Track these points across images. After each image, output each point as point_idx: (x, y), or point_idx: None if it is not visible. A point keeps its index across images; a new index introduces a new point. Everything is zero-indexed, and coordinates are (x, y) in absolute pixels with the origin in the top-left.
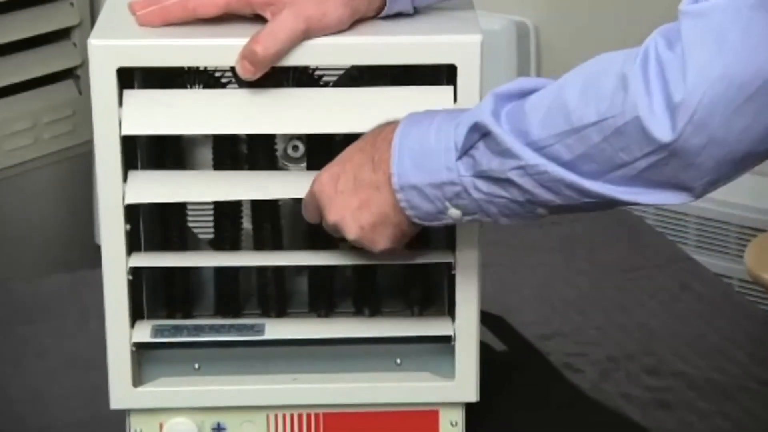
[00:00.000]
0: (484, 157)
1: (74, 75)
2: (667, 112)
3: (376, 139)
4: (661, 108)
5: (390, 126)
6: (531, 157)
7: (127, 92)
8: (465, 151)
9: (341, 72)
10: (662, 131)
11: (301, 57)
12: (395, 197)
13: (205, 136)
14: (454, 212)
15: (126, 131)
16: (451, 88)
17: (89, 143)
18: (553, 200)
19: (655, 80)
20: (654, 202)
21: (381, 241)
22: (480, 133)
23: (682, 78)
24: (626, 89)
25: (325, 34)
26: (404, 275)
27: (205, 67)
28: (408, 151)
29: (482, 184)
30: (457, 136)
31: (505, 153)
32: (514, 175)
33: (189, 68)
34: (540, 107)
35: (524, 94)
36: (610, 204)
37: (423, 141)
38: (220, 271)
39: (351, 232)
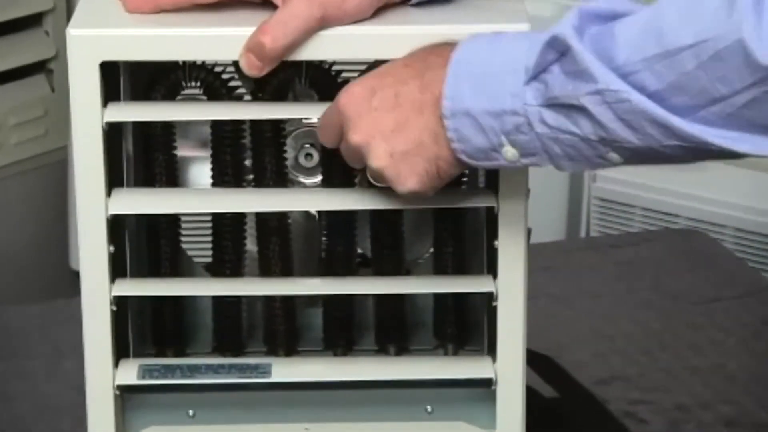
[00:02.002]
0: (557, 81)
1: (46, 69)
2: None
3: (429, 55)
4: None
5: (447, 45)
6: (612, 81)
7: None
8: (536, 75)
9: (363, 68)
10: None
11: (316, 50)
12: (442, 124)
13: (203, 151)
14: (509, 151)
15: (109, 118)
16: None
17: (65, 150)
18: (631, 140)
19: None
20: (751, 150)
21: (409, 178)
22: (557, 51)
23: None
24: (731, 6)
25: (345, 23)
26: (436, 307)
27: (204, 62)
28: (467, 72)
29: (549, 116)
30: (529, 56)
31: (582, 75)
32: (588, 102)
33: (185, 63)
34: (630, 30)
35: (616, 16)
36: (697, 152)
37: (486, 61)
38: (219, 301)
39: (377, 159)
